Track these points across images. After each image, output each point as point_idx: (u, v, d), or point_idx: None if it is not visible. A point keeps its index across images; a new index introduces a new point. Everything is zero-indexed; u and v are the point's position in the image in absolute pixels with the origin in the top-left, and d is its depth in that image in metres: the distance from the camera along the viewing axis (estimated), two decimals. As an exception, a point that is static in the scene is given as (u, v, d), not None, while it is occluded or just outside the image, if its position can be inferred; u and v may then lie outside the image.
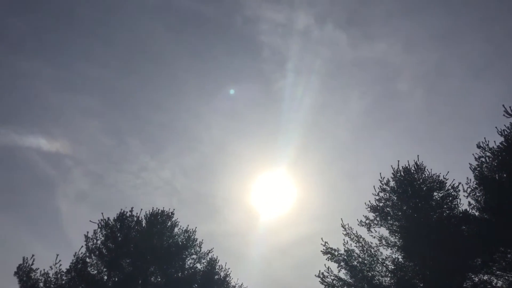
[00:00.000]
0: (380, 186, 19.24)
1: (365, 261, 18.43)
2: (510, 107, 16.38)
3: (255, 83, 52.67)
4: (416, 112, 49.26)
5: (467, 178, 17.91)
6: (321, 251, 18.96)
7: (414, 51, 51.48)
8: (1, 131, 42.02)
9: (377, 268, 18.30)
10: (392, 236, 18.70)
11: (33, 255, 16.67)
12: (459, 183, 18.14)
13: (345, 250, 18.79)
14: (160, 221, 20.01)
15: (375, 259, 18.42)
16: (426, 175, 18.92)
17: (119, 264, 18.15)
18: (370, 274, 18.17)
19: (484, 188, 17.41)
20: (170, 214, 20.39)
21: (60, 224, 40.78)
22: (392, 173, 19.29)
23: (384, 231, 18.92)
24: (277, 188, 41.90)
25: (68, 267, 17.08)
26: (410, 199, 18.63)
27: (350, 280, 18.31)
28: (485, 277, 16.96)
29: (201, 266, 20.12)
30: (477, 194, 17.62)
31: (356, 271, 18.26)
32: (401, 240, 18.41)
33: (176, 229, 20.35)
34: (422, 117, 49.82)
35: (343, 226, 19.22)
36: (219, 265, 20.30)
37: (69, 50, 49.16)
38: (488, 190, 17.24)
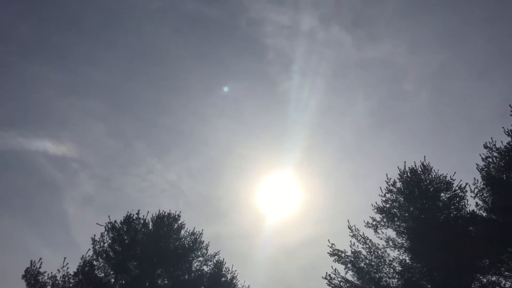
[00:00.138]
0: (386, 187, 19.20)
1: (372, 263, 18.37)
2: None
3: (261, 85, 52.70)
4: (421, 112, 49.08)
5: (474, 178, 17.86)
6: (328, 252, 18.95)
7: (419, 52, 51.37)
8: (7, 135, 42.29)
9: (384, 269, 18.24)
10: (399, 237, 18.64)
11: (40, 259, 16.75)
12: (466, 184, 18.08)
13: (352, 252, 18.76)
14: (167, 223, 20.04)
15: (382, 260, 18.36)
16: (433, 175, 18.84)
17: (126, 266, 18.18)
18: (377, 276, 18.11)
19: (492, 189, 17.32)
20: (176, 216, 20.42)
21: (67, 227, 40.98)
22: (399, 174, 19.23)
23: (391, 233, 18.91)
24: (283, 190, 41.88)
25: (75, 270, 17.10)
26: (417, 200, 18.55)
27: (357, 282, 18.26)
28: (493, 278, 16.87)
29: (208, 268, 20.12)
30: (485, 194, 17.53)
31: (363, 273, 18.21)
32: (408, 241, 18.34)
33: (182, 232, 20.37)
34: (428, 118, 49.58)
35: (349, 228, 19.18)
36: (225, 267, 20.29)
37: (75, 54, 49.39)
38: (496, 190, 17.16)
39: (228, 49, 52.03)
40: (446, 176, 18.68)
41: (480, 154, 17.96)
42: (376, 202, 19.25)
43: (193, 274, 19.61)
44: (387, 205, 19.02)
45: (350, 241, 18.96)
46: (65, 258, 16.99)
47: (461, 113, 47.95)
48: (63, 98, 48.68)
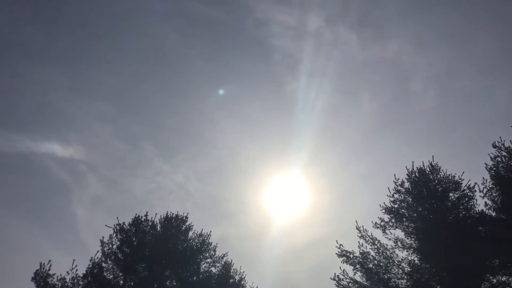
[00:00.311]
0: (394, 187, 19.10)
1: (381, 264, 18.30)
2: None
3: (267, 86, 52.71)
4: (429, 112, 48.83)
5: (483, 178, 17.75)
6: (336, 253, 18.91)
7: (426, 52, 51.10)
8: (17, 138, 42.64)
9: (393, 270, 18.15)
10: (407, 238, 18.54)
11: (49, 261, 16.82)
12: (475, 183, 17.96)
13: (360, 253, 18.69)
14: (175, 225, 20.08)
15: (391, 261, 18.28)
16: (441, 175, 18.73)
17: (134, 268, 18.24)
18: (386, 277, 18.03)
19: (501, 188, 17.21)
20: (184, 218, 20.45)
21: (76, 229, 41.20)
22: (407, 174, 19.13)
23: (399, 233, 18.81)
24: (291, 191, 41.84)
25: (84, 272, 17.19)
26: (425, 200, 18.46)
27: (366, 283, 18.19)
28: (503, 278, 16.72)
29: (216, 269, 20.14)
30: (494, 194, 17.42)
31: (372, 274, 18.14)
32: (417, 242, 18.25)
33: (190, 233, 20.40)
34: (436, 118, 49.35)
35: (358, 228, 19.13)
36: (234, 269, 20.30)
37: (82, 57, 49.72)
38: (505, 190, 17.04)
39: (234, 50, 52.13)
40: (454, 176, 18.57)
41: (488, 154, 17.89)
42: (384, 203, 19.18)
43: (201, 276, 19.64)
44: (396, 206, 18.94)
45: (359, 241, 18.92)
46: (74, 260, 17.08)
47: (469, 113, 47.67)
48: (71, 100, 49.00)
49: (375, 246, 18.66)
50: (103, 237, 18.63)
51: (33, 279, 16.38)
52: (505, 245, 15.97)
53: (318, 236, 41.88)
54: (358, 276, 18.40)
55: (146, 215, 19.64)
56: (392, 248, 18.58)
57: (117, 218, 19.14)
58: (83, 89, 49.64)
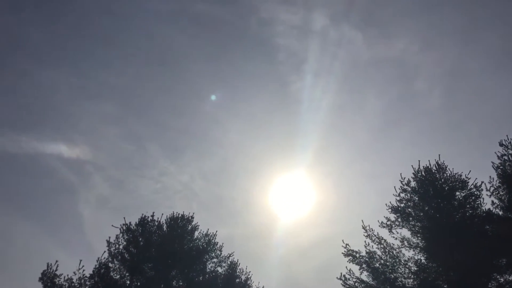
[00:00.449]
0: (400, 186, 19.05)
1: (387, 263, 18.25)
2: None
3: (272, 85, 52.59)
4: (434, 111, 48.57)
5: (490, 176, 17.70)
6: (342, 253, 18.90)
7: (431, 50, 50.82)
8: (23, 139, 42.83)
9: (399, 269, 18.11)
10: (414, 237, 18.49)
11: (56, 261, 16.85)
12: (482, 182, 17.89)
13: (366, 252, 18.66)
14: (181, 225, 20.12)
15: (397, 260, 18.23)
16: (448, 174, 18.65)
17: (141, 268, 18.28)
18: (392, 276, 17.99)
19: (508, 187, 17.14)
20: (190, 218, 20.49)
21: (83, 230, 41.25)
22: (413, 173, 19.06)
23: (406, 232, 18.76)
24: (296, 190, 41.74)
25: (91, 272, 17.21)
26: (432, 199, 18.38)
27: (372, 282, 18.15)
28: (511, 278, 16.66)
29: (222, 269, 20.17)
30: (501, 192, 17.36)
31: (378, 273, 18.11)
32: (423, 241, 18.20)
33: (196, 233, 20.44)
34: (441, 116, 49.08)
35: (364, 228, 19.11)
36: (239, 269, 20.31)
37: (88, 58, 49.87)
38: (512, 188, 16.97)
39: (239, 50, 52.06)
40: (461, 175, 18.48)
41: (495, 152, 17.85)
42: (390, 202, 19.14)
43: (207, 276, 19.67)
44: (402, 205, 18.88)
45: (365, 241, 18.90)
46: (81, 260, 17.12)
47: (474, 111, 47.41)
48: (77, 102, 49.16)
49: (382, 246, 18.63)
50: (109, 237, 18.69)
51: (40, 279, 16.44)
52: (513, 244, 15.92)
53: (324, 235, 41.81)
54: (365, 276, 18.39)
55: (152, 215, 19.68)
56: (399, 248, 18.55)
57: (124, 218, 19.21)
58: (89, 90, 49.78)
